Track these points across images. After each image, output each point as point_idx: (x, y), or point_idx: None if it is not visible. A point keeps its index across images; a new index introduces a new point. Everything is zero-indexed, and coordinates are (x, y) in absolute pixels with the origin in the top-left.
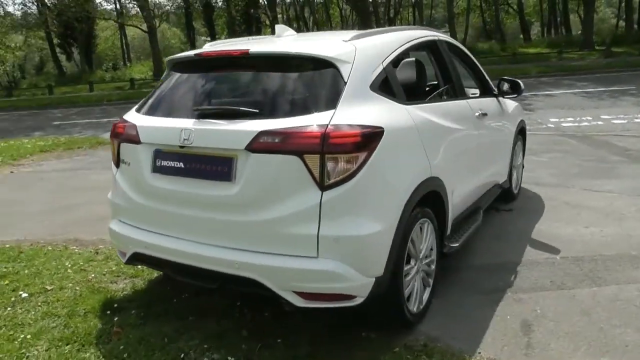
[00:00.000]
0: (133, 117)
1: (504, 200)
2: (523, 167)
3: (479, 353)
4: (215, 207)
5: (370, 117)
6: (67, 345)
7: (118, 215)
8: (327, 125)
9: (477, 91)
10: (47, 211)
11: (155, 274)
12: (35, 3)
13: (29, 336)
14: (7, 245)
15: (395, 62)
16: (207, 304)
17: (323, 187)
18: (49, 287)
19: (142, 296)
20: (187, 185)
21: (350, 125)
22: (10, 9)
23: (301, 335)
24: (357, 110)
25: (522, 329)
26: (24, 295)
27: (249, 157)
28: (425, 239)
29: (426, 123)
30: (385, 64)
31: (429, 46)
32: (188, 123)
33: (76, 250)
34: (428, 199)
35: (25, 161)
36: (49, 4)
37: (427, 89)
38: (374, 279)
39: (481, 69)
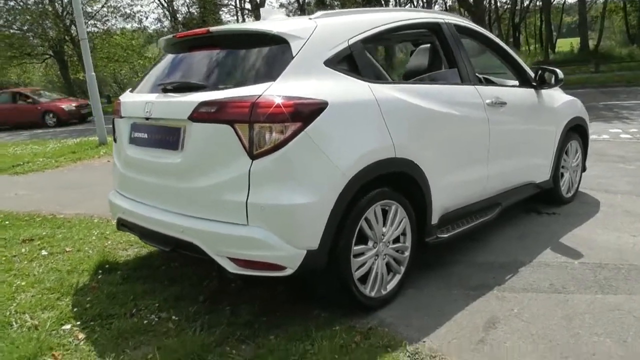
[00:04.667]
0: (124, 95)
1: (549, 203)
2: (584, 169)
3: (423, 342)
4: (167, 175)
5: (313, 90)
6: (51, 294)
7: (114, 186)
8: (259, 95)
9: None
10: None
11: None
12: (169, 18)
13: (24, 283)
14: (61, 216)
15: (369, 41)
16: (186, 272)
17: (252, 155)
18: (68, 249)
19: (136, 262)
20: (149, 155)
21: (283, 97)
22: (147, 22)
23: (252, 306)
24: (300, 84)
25: (485, 325)
26: (44, 253)
27: (192, 127)
28: (391, 222)
29: (396, 103)
30: (352, 41)
31: (429, 28)
32: (152, 97)
33: (114, 223)
34: (399, 182)
35: None
36: (180, 19)
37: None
38: (305, 252)
39: (516, 58)
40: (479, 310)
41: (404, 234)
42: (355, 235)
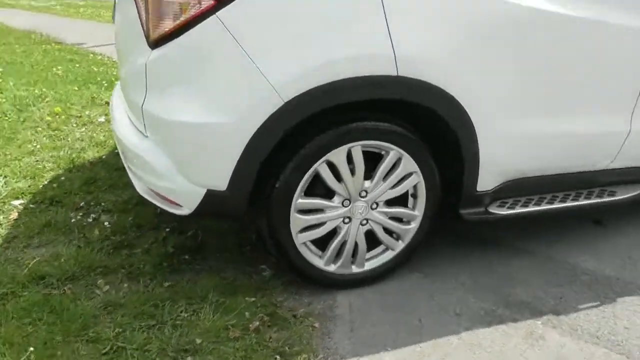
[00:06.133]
0: None
1: None
2: None
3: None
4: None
5: None
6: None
7: None
8: None
9: None
10: None
11: None
12: None
13: None
14: None
15: None
16: None
17: (150, 41)
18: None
19: None
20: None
21: None
22: None
23: (192, 239)
24: None
25: None
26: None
27: None
28: (384, 175)
29: None
30: None
31: None
32: None
33: None
34: (411, 115)
35: None
36: None
37: None
38: (205, 191)
39: None
40: (465, 346)
41: (415, 195)
42: (305, 182)
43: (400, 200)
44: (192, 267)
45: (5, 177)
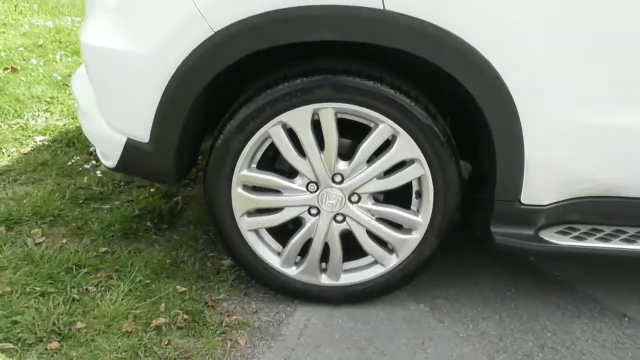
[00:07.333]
0: None
1: None
2: None
3: None
4: None
5: None
6: None
7: None
8: None
9: None
10: None
11: None
12: None
13: None
14: None
15: None
16: None
17: None
18: None
19: None
20: None
21: None
22: None
23: (179, 202)
24: None
25: None
26: None
27: None
28: (367, 155)
29: None
30: None
31: None
32: None
33: None
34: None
35: None
36: None
37: None
38: (125, 140)
39: None
40: None
41: (419, 194)
42: (252, 148)
43: (404, 199)
44: (149, 236)
45: (51, 113)
